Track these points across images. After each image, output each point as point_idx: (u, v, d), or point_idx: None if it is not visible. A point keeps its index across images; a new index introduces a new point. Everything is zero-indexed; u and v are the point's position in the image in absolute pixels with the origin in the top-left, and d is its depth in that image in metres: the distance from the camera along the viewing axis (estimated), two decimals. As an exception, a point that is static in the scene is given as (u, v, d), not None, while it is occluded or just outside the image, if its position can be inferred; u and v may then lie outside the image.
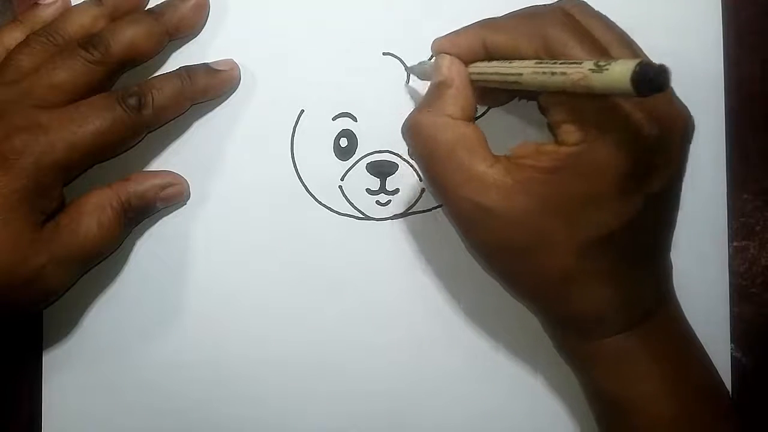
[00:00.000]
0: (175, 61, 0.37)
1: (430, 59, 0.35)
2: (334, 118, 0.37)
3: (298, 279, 0.37)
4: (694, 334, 0.33)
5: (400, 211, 0.37)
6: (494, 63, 0.31)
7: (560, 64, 0.27)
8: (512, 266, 0.32)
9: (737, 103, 0.37)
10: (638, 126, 0.28)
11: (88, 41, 0.33)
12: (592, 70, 0.25)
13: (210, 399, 0.37)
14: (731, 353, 0.37)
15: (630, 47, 0.30)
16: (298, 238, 0.37)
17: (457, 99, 0.31)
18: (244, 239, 0.37)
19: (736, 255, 0.37)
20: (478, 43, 0.31)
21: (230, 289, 0.37)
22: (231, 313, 0.37)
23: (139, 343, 0.37)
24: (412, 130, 0.32)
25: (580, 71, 0.26)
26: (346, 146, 0.37)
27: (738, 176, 0.37)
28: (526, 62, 0.29)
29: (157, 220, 0.37)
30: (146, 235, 0.37)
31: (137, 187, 0.35)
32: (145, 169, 0.37)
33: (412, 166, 0.37)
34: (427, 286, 0.37)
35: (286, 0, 0.37)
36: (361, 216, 0.37)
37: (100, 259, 0.35)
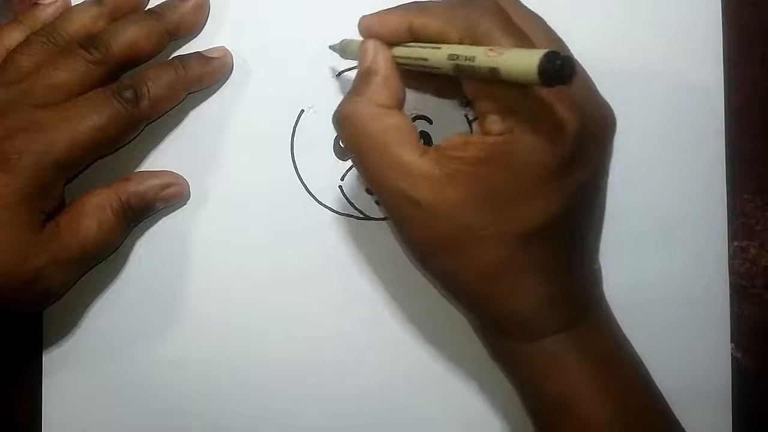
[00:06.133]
0: (175, 61, 0.37)
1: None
2: (334, 118, 0.37)
3: (297, 279, 0.37)
4: (625, 336, 0.33)
5: (400, 211, 0.37)
6: (415, 46, 0.30)
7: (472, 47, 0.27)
8: (444, 262, 0.31)
9: (737, 103, 0.37)
10: (560, 117, 0.28)
11: (89, 41, 0.34)
12: (500, 53, 0.25)
13: (210, 398, 0.37)
14: (731, 353, 0.37)
15: (557, 45, 0.30)
16: (298, 238, 0.37)
17: (384, 86, 0.31)
18: (244, 239, 0.37)
19: (736, 255, 0.37)
20: (405, 25, 0.31)
21: (230, 289, 0.37)
22: (231, 313, 0.37)
23: (139, 343, 0.37)
24: (342, 121, 0.31)
25: (488, 53, 0.26)
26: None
27: (738, 176, 0.37)
28: (444, 46, 0.29)
29: (157, 220, 0.37)
30: (146, 235, 0.37)
31: (137, 187, 0.35)
32: (144, 169, 0.37)
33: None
34: (427, 285, 0.37)
35: (286, 0, 0.37)
36: (361, 216, 0.37)
37: (100, 260, 0.35)
